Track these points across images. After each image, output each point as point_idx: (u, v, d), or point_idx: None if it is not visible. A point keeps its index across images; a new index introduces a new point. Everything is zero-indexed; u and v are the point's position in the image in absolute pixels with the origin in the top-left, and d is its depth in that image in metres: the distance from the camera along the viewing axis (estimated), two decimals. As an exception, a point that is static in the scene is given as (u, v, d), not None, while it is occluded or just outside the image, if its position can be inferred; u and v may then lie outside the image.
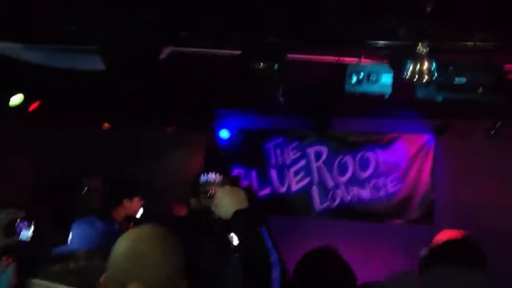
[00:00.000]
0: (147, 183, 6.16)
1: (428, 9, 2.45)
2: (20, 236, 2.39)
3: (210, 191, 3.23)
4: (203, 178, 3.52)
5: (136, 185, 4.60)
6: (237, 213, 1.97)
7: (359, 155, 6.66)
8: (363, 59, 3.07)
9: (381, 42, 2.97)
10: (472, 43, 2.89)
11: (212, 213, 2.21)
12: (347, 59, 3.16)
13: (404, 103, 4.69)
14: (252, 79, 2.88)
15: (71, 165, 5.42)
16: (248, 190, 6.16)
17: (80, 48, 3.16)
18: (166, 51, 3.73)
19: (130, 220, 4.28)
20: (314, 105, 5.51)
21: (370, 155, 6.64)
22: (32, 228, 2.39)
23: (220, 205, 2.08)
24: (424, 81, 2.56)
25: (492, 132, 5.81)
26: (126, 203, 4.33)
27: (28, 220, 2.43)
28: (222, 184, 4.25)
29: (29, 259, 2.32)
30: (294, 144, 6.85)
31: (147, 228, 1.48)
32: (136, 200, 4.36)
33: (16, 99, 4.53)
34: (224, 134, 7.04)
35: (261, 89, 3.07)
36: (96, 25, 2.83)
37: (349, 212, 6.66)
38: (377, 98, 3.36)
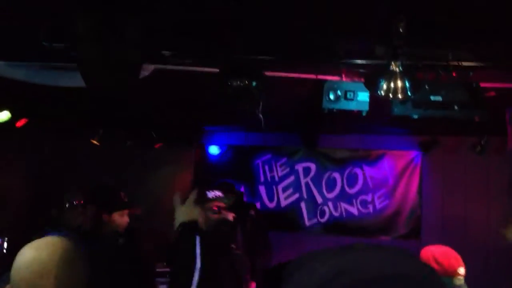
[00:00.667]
0: (136, 198, 6.21)
1: (400, 29, 2.50)
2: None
3: (218, 207, 3.37)
4: (210, 194, 3.64)
5: (124, 199, 4.56)
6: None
7: (347, 171, 6.70)
8: (340, 77, 3.11)
9: (358, 60, 3.01)
10: (447, 61, 2.94)
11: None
12: (325, 77, 3.20)
13: (390, 120, 4.75)
14: (230, 96, 2.91)
15: (58, 181, 5.42)
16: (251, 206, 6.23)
17: (62, 65, 3.19)
18: (150, 69, 3.78)
19: (118, 235, 4.27)
20: (301, 122, 5.55)
21: (357, 171, 6.68)
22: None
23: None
24: (399, 98, 2.60)
25: (478, 148, 5.86)
26: (115, 216, 4.30)
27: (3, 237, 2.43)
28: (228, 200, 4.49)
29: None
30: (283, 160, 6.89)
31: (49, 239, 1.51)
32: (124, 213, 4.33)
33: (3, 116, 4.55)
34: (214, 150, 7.08)
35: (240, 106, 3.10)
36: (77, 42, 2.86)
37: (338, 227, 6.68)
38: (362, 115, 3.40)
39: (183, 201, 3.02)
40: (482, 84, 3.09)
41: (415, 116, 3.00)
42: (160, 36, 3.20)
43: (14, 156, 5.32)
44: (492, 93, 3.48)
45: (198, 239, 2.98)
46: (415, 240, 6.29)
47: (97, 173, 6.12)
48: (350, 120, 4.85)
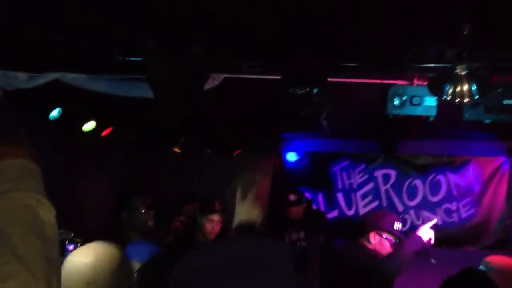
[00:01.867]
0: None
1: (466, 31, 2.39)
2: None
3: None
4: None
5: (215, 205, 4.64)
6: None
7: (429, 178, 6.45)
8: (410, 82, 3.02)
9: (427, 64, 2.91)
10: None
11: None
12: (390, 81, 3.13)
13: (476, 125, 4.53)
14: (293, 104, 2.93)
15: (141, 188, 5.68)
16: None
17: (135, 77, 3.37)
18: (220, 78, 3.88)
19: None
20: (379, 128, 5.43)
21: (441, 178, 6.41)
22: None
23: None
24: (465, 102, 2.48)
25: None
26: (205, 222, 4.42)
27: (76, 242, 2.59)
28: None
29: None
30: (361, 167, 6.77)
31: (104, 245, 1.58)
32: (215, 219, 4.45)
33: (89, 126, 4.86)
34: (292, 157, 7.09)
35: (302, 114, 3.10)
36: (147, 57, 3.01)
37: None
38: (429, 120, 3.28)
39: (244, 198, 3.02)
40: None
41: (487, 121, 2.85)
42: (225, 47, 3.29)
43: (99, 165, 5.64)
44: None
45: None
46: (504, 252, 5.90)
47: (178, 181, 6.35)
48: (431, 126, 4.67)
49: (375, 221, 3.82)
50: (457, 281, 2.26)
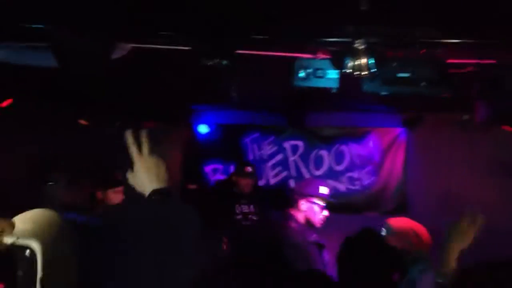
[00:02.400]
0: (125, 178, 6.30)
1: (363, 8, 2.55)
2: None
3: None
4: None
5: (116, 176, 4.65)
6: None
7: (334, 149, 6.77)
8: (309, 55, 3.17)
9: (329, 39, 3.06)
10: (415, 39, 2.98)
11: None
12: (297, 55, 3.26)
13: (376, 98, 4.81)
14: (203, 75, 2.97)
15: (47, 163, 5.49)
16: None
17: (38, 45, 3.25)
18: (127, 48, 3.83)
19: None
20: (286, 100, 5.61)
21: (344, 148, 6.75)
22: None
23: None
24: (363, 75, 2.66)
25: (462, 124, 5.90)
26: (110, 194, 4.43)
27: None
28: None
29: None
30: (271, 139, 6.95)
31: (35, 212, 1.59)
32: (118, 191, 4.46)
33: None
34: (203, 129, 7.13)
35: (214, 85, 3.16)
36: (49, 22, 2.91)
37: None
38: (332, 92, 3.46)
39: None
40: (450, 61, 3.14)
41: (384, 93, 3.06)
42: (132, 15, 3.24)
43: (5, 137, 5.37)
44: (469, 68, 3.53)
45: None
46: (402, 215, 6.37)
47: (86, 153, 6.19)
48: (335, 99, 4.91)
49: (301, 189, 4.05)
50: (353, 240, 2.46)
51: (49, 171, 4.37)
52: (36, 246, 1.62)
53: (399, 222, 3.34)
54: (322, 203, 3.92)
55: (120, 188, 4.45)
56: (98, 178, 4.58)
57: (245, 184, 5.47)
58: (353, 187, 6.72)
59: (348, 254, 2.41)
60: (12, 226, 1.47)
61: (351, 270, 2.37)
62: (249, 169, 5.52)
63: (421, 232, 3.17)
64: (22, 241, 1.64)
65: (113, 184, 4.42)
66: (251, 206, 5.47)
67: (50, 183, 4.30)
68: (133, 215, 1.80)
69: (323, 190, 3.97)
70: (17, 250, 1.65)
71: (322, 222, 4.03)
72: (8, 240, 1.51)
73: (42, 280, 1.63)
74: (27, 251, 1.59)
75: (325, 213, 3.96)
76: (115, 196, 4.47)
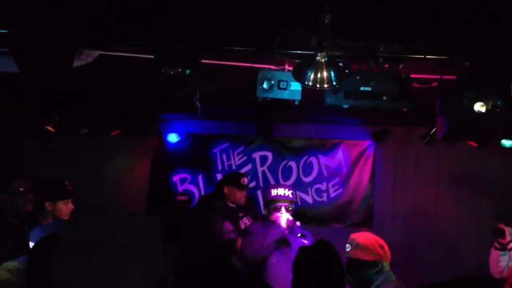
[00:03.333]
0: (92, 187, 6.21)
1: (326, 21, 2.57)
2: None
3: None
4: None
5: (68, 187, 4.54)
6: None
7: (302, 160, 6.79)
8: (273, 66, 3.18)
9: (293, 51, 3.08)
10: (377, 53, 3.02)
11: None
12: (261, 65, 3.27)
13: (346, 110, 4.86)
14: (166, 84, 2.95)
15: (8, 168, 5.37)
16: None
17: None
18: (94, 55, 3.79)
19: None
20: (254, 110, 5.61)
21: (313, 160, 6.78)
22: None
23: None
24: (324, 88, 2.67)
25: (428, 138, 5.99)
26: (59, 205, 4.32)
27: None
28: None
29: None
30: (240, 149, 6.94)
31: None
32: (68, 201, 4.36)
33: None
34: (172, 138, 7.08)
35: (175, 94, 3.14)
36: (11, 26, 2.86)
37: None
38: (295, 104, 3.48)
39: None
40: (412, 75, 3.19)
41: (345, 106, 3.09)
42: (98, 23, 3.22)
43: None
44: (433, 84, 3.59)
45: None
46: (367, 229, 6.42)
47: (51, 161, 6.09)
48: (304, 110, 4.92)
49: (264, 195, 4.27)
50: (308, 250, 2.47)
51: (10, 179, 4.28)
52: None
53: (363, 236, 3.38)
54: (280, 204, 4.13)
55: (70, 200, 4.33)
56: (49, 188, 4.45)
57: (241, 196, 5.23)
58: (319, 199, 6.75)
59: (301, 264, 2.43)
60: None
61: (303, 280, 2.38)
62: (245, 180, 5.31)
63: (384, 244, 3.21)
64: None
65: (64, 196, 4.29)
66: (248, 217, 5.35)
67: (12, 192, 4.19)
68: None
69: (281, 191, 4.18)
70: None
71: (289, 222, 4.20)
72: None
73: None
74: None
75: (284, 212, 4.11)
76: (65, 208, 4.35)
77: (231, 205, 5.17)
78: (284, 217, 4.19)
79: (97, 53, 3.82)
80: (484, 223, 5.48)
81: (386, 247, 3.19)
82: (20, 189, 4.19)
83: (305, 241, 4.20)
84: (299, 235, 4.26)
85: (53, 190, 4.24)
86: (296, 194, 6.74)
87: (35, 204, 4.10)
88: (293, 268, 2.47)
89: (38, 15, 2.86)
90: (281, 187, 4.35)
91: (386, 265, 3.09)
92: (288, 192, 4.26)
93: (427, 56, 3.15)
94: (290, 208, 4.32)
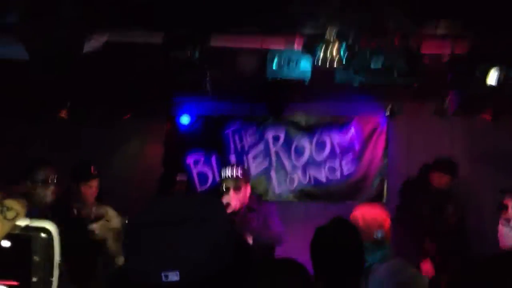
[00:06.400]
0: (105, 171, 6.26)
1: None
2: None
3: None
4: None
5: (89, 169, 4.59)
6: None
7: (315, 138, 6.79)
8: (282, 46, 3.16)
9: (300, 30, 3.06)
10: (388, 29, 2.99)
11: None
12: (271, 46, 3.25)
13: (355, 87, 4.83)
14: (176, 67, 2.96)
15: (24, 157, 5.45)
16: None
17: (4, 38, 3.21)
18: (102, 41, 3.79)
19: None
20: (265, 91, 5.60)
21: (325, 137, 6.76)
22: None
23: None
24: (335, 65, 2.66)
25: (441, 112, 5.94)
26: (83, 187, 4.40)
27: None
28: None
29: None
30: (252, 130, 6.94)
31: None
32: (92, 184, 4.43)
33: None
34: (185, 120, 7.09)
35: (187, 77, 3.14)
36: (20, 15, 2.88)
37: (307, 194, 6.81)
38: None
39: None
40: (423, 51, 3.16)
41: (356, 84, 3.07)
42: (106, 9, 3.22)
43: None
44: (444, 59, 3.55)
45: None
46: (381, 204, 6.42)
47: (63, 148, 6.16)
48: (314, 89, 4.91)
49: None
50: (325, 229, 2.48)
51: (31, 171, 4.32)
52: (51, 228, 1.54)
53: (364, 207, 3.34)
54: (228, 185, 3.92)
55: (93, 182, 4.41)
56: (72, 170, 4.53)
57: None
58: (333, 177, 6.76)
59: (318, 243, 2.44)
60: (25, 208, 1.42)
61: (321, 259, 2.39)
62: None
63: (368, 217, 3.09)
64: (37, 223, 1.55)
65: (86, 178, 4.37)
66: None
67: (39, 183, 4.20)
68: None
69: (228, 172, 4.01)
70: (32, 232, 1.55)
71: (235, 201, 3.99)
72: (22, 222, 1.44)
73: (60, 265, 1.55)
74: (42, 234, 1.52)
75: (228, 194, 3.93)
76: (87, 190, 4.42)
77: None
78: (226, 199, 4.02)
79: (105, 38, 3.83)
80: (499, 199, 5.44)
81: (367, 221, 3.04)
82: (49, 178, 4.20)
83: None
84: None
85: (75, 172, 4.32)
86: (309, 172, 6.79)
87: (64, 187, 4.18)
88: (311, 249, 2.48)
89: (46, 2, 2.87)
90: (229, 168, 4.08)
91: (386, 242, 2.99)
92: (234, 171, 4.05)
93: (437, 31, 3.10)
94: (239, 186, 4.01)
